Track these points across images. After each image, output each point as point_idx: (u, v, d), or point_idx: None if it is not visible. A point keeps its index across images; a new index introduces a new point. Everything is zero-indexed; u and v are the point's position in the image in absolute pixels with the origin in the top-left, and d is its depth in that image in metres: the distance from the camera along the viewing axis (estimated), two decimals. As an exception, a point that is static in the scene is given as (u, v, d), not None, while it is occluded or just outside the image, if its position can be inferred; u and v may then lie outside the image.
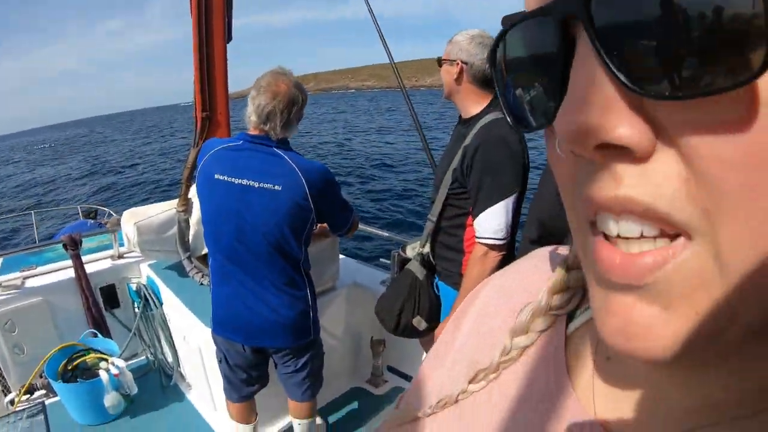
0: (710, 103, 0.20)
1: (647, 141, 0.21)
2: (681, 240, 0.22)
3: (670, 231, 0.22)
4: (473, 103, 1.84)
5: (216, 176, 1.77)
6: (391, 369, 2.80)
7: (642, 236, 0.23)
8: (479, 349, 0.45)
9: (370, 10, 2.84)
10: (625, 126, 0.21)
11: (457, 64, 1.81)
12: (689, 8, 0.20)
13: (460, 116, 1.92)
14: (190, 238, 2.65)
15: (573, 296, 0.40)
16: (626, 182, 0.22)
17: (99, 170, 24.76)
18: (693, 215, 0.22)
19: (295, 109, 1.77)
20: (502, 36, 0.28)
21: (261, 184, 1.72)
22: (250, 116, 1.77)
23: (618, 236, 0.24)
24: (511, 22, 0.27)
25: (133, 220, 2.66)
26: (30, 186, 24.82)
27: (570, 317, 0.41)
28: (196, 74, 2.68)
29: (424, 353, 2.48)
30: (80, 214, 7.40)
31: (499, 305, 0.46)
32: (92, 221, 5.55)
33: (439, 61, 1.89)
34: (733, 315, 0.23)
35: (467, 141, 1.76)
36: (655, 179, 0.22)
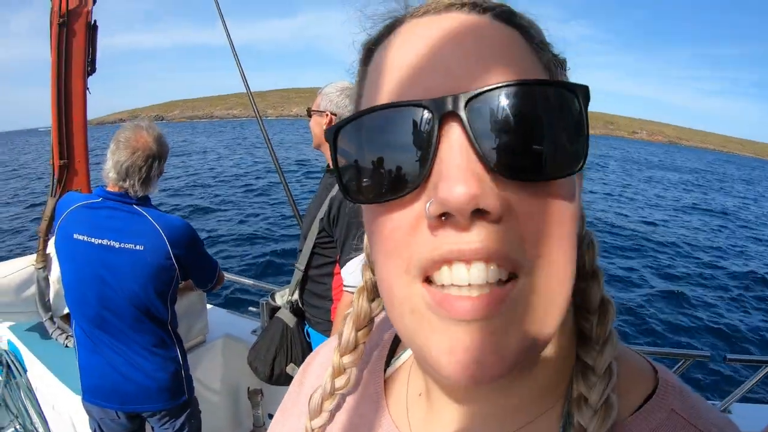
0: (542, 185, 0.32)
1: (502, 208, 0.31)
2: (511, 282, 0.32)
3: (508, 271, 0.32)
4: None
5: (75, 236, 1.69)
6: (272, 417, 2.72)
7: (486, 283, 0.31)
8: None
9: (228, 36, 2.83)
10: (492, 197, 0.30)
11: (327, 115, 1.85)
12: (533, 119, 0.31)
13: (327, 166, 1.95)
14: (51, 296, 2.48)
15: (351, 374, 0.51)
16: (483, 237, 0.31)
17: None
18: (523, 258, 0.31)
19: (156, 165, 1.72)
20: (358, 116, 0.35)
21: (122, 245, 1.67)
22: (109, 172, 1.70)
23: (469, 284, 0.31)
24: (372, 108, 0.34)
25: None
26: None
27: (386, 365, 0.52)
28: (53, 121, 2.53)
29: None
30: None
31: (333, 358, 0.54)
32: None
33: (309, 112, 1.92)
34: (541, 336, 0.33)
35: (333, 191, 1.80)
36: (503, 234, 0.31)
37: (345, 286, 1.78)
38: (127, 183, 1.69)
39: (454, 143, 0.31)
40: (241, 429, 2.79)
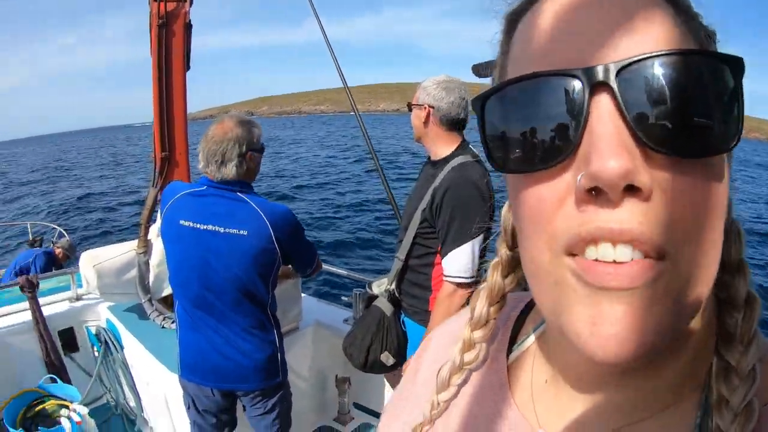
0: (693, 163, 0.30)
1: (653, 186, 0.30)
2: (657, 260, 0.30)
3: (651, 254, 0.30)
4: (442, 146, 1.90)
5: (181, 222, 1.77)
6: (357, 406, 2.79)
7: (632, 260, 0.30)
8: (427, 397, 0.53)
9: (324, 34, 2.89)
10: (644, 173, 0.29)
11: (425, 108, 1.87)
12: (688, 91, 0.30)
13: (428, 157, 1.98)
14: (151, 280, 2.62)
15: (480, 350, 0.50)
16: (633, 216, 0.30)
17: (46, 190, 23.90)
18: (670, 241, 0.30)
19: (242, 148, 1.77)
20: (504, 86, 0.34)
21: (227, 230, 1.73)
22: (205, 168, 1.79)
23: (614, 261, 0.30)
24: (519, 77, 0.34)
25: (92, 262, 2.60)
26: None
27: (508, 351, 0.50)
28: (155, 115, 2.68)
29: (390, 388, 2.48)
30: (29, 234, 7.09)
31: (448, 352, 0.53)
32: (38, 249, 5.38)
33: (409, 106, 1.96)
34: (681, 321, 0.32)
35: (436, 182, 1.82)
36: (653, 215, 0.30)
37: (445, 276, 1.80)
38: (218, 169, 1.76)
39: (604, 114, 0.30)
40: (326, 415, 2.85)
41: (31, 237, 6.81)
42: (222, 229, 1.74)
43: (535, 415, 0.44)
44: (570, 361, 0.42)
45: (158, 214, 2.66)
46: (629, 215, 0.29)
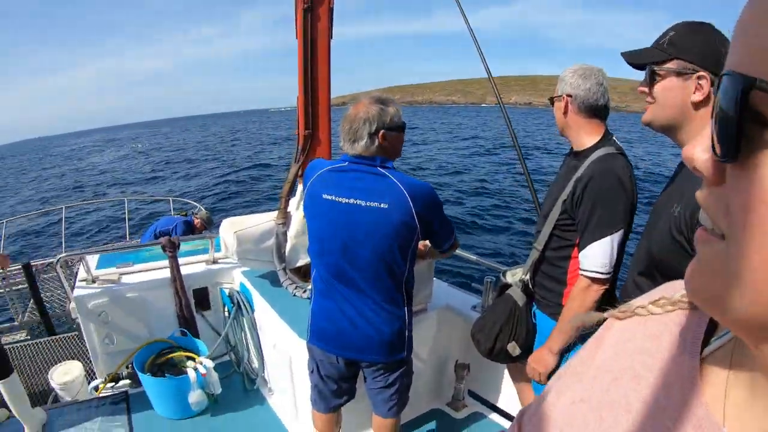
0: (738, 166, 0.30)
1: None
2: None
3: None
4: (584, 135, 1.85)
5: (324, 196, 1.85)
6: (472, 394, 2.79)
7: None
8: (619, 362, 0.52)
9: (467, 23, 2.86)
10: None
11: (563, 98, 1.84)
12: None
13: (571, 148, 1.94)
14: (287, 250, 2.74)
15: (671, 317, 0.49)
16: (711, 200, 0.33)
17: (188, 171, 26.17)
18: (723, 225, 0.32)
19: (377, 126, 1.81)
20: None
21: (368, 203, 1.78)
22: (343, 145, 1.86)
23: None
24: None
25: (233, 228, 2.78)
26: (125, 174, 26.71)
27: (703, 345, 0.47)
28: (300, 94, 2.80)
29: (509, 380, 2.45)
30: (171, 209, 7.75)
31: (635, 330, 0.52)
32: (179, 217, 5.88)
33: (551, 100, 1.93)
34: None
35: (579, 173, 1.77)
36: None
37: (582, 270, 1.76)
38: (357, 145, 1.82)
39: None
40: (440, 399, 2.88)
41: (172, 211, 7.48)
42: (363, 203, 1.78)
43: (723, 415, 0.41)
44: None
45: (298, 189, 2.81)
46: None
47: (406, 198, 1.77)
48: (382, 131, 1.81)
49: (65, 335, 4.96)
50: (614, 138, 1.84)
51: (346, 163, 1.86)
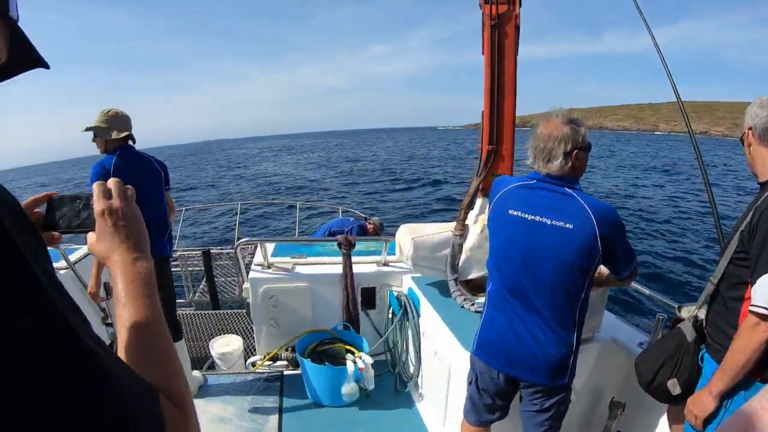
0: None
1: None
2: None
3: None
4: (763, 165, 1.75)
5: (510, 212, 1.89)
6: None
7: None
8: None
9: (656, 44, 2.70)
10: None
11: (746, 132, 1.78)
12: None
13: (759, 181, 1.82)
14: (461, 261, 2.80)
15: None
16: None
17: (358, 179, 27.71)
18: None
19: (571, 146, 1.82)
20: None
21: (553, 222, 1.80)
22: (533, 163, 1.88)
23: None
24: None
25: (411, 235, 2.89)
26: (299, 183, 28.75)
27: None
28: (485, 110, 2.85)
29: (666, 423, 2.30)
30: (340, 214, 8.06)
31: None
32: (354, 220, 6.24)
33: (742, 140, 1.85)
34: None
35: (759, 202, 1.66)
36: None
37: (751, 305, 1.57)
38: (545, 165, 1.84)
39: None
40: None
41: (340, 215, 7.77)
42: (549, 221, 1.80)
43: None
44: None
45: (477, 202, 2.86)
46: None
47: (592, 220, 1.76)
48: (575, 151, 1.82)
49: (231, 311, 5.42)
50: None
51: (535, 180, 1.89)
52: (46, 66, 0.58)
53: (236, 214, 8.52)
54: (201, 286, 6.08)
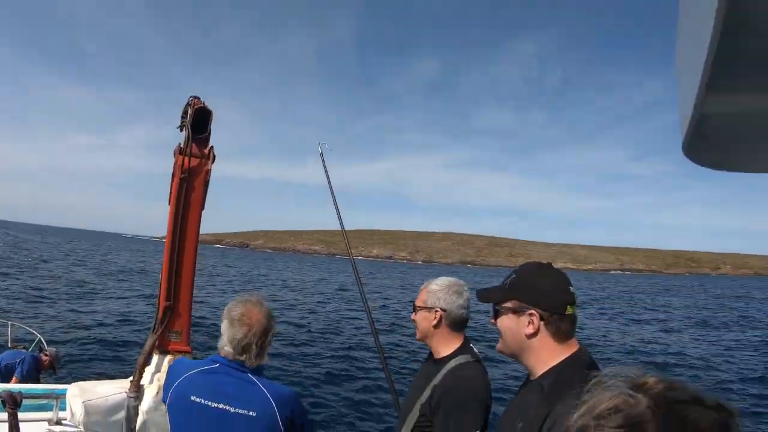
0: None
1: None
2: None
3: None
4: (445, 345, 2.02)
5: (192, 398, 1.89)
6: None
7: None
8: None
9: (328, 177, 3.10)
10: None
11: (436, 311, 2.01)
12: None
13: (430, 354, 2.11)
14: (137, 425, 2.67)
15: None
16: None
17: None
18: None
19: (269, 339, 1.94)
20: None
21: (237, 410, 1.86)
22: (224, 347, 1.92)
23: None
24: None
25: (82, 397, 2.67)
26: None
27: None
28: (165, 264, 2.86)
29: None
30: (9, 338, 6.83)
31: None
32: (24, 352, 5.36)
33: (415, 308, 2.09)
34: None
35: (437, 380, 1.94)
36: None
37: None
38: (244, 356, 1.89)
39: None
40: None
41: (10, 343, 6.61)
42: (232, 409, 1.85)
43: None
44: None
45: (153, 359, 2.83)
46: None
47: (273, 408, 1.86)
48: (266, 339, 1.93)
49: None
50: (471, 345, 2.03)
51: (218, 365, 1.93)
52: None
53: None
54: None
